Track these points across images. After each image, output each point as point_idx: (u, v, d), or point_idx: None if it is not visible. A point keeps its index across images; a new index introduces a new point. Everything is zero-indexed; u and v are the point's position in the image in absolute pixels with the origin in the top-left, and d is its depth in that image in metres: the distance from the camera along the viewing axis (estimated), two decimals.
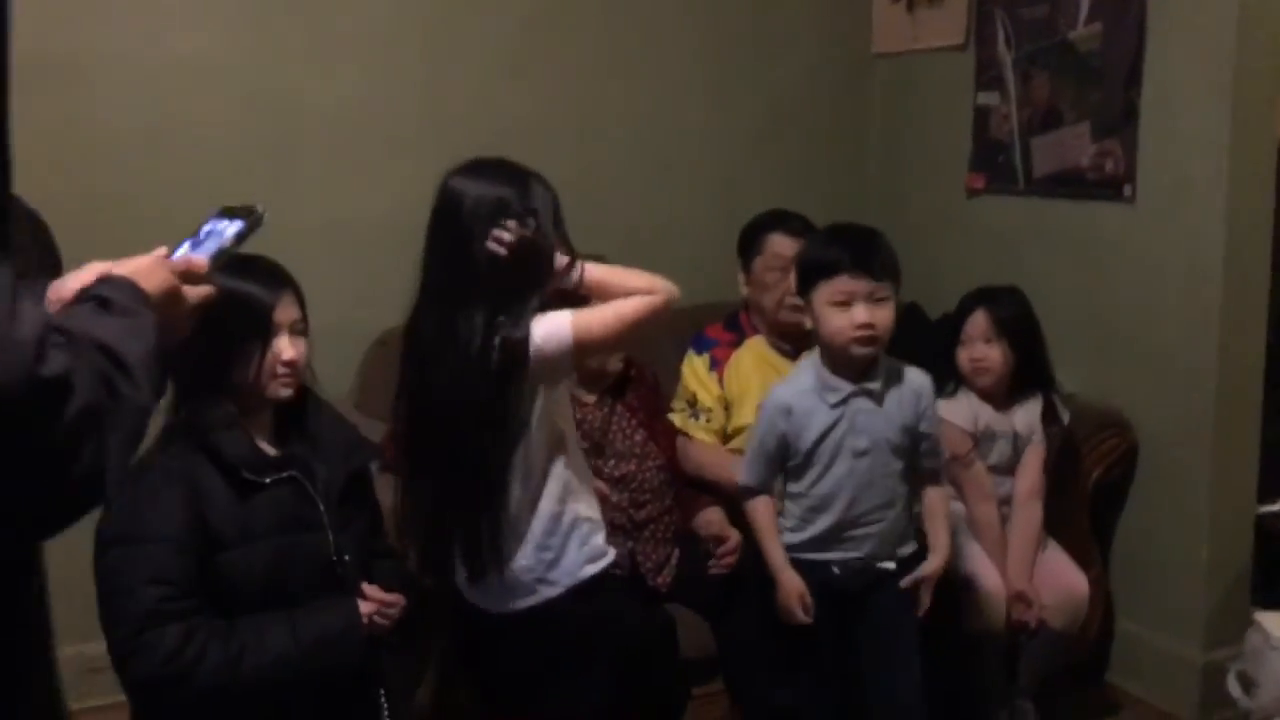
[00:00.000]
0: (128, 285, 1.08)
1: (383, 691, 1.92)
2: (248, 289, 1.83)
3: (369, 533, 2.03)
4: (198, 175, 2.89)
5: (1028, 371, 2.69)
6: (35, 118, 2.75)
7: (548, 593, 1.93)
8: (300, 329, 1.92)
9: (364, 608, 1.86)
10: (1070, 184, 3.07)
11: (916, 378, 2.33)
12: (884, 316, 2.22)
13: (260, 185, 2.97)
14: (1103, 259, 3.00)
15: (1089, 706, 2.91)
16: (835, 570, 2.31)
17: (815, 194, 3.58)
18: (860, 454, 2.26)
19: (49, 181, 2.67)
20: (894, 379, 2.31)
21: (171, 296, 1.16)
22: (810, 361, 2.34)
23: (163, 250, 1.26)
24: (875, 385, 2.27)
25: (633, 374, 2.70)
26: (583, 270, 1.88)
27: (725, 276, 2.97)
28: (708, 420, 2.77)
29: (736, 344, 2.84)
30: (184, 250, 1.27)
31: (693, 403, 2.80)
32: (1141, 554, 2.93)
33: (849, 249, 2.24)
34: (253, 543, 1.80)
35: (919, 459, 2.34)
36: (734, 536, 2.54)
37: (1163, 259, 2.84)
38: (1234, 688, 2.61)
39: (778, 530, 2.35)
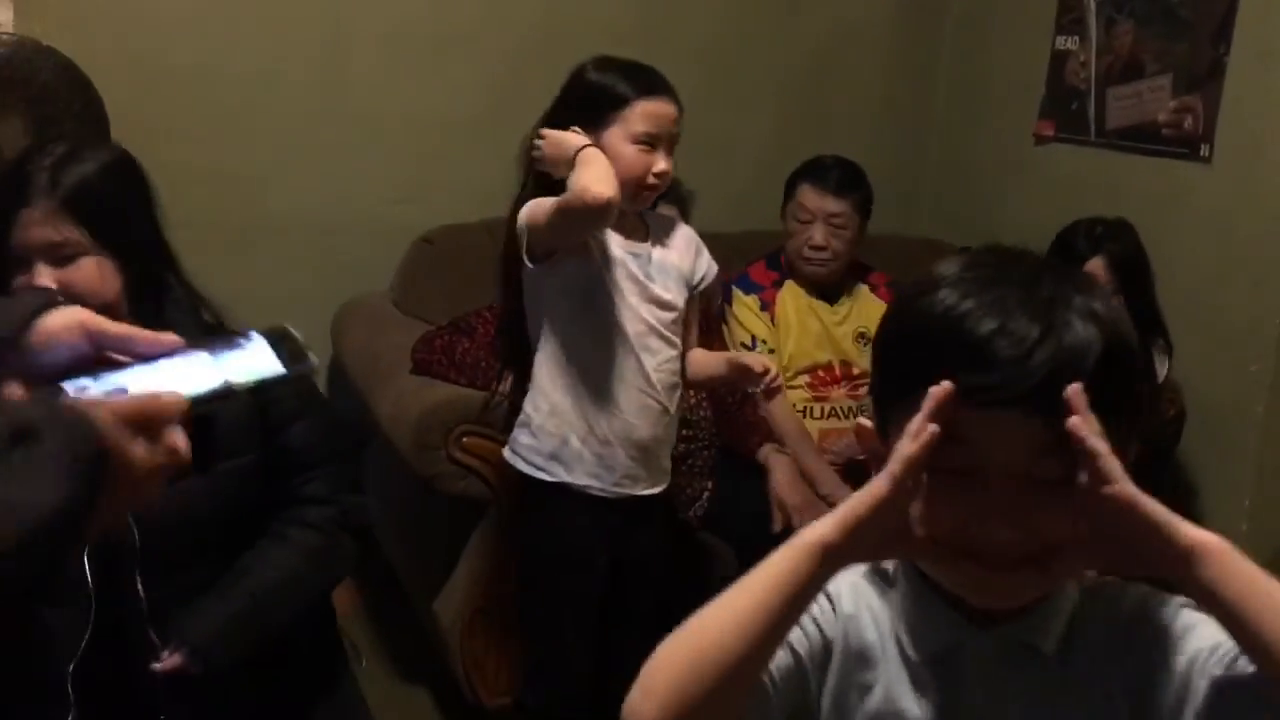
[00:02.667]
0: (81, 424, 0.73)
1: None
2: None
3: (263, 480, 1.55)
4: (244, 64, 2.85)
5: (1139, 321, 2.56)
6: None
7: (510, 457, 2.05)
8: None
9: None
10: (1144, 139, 2.96)
11: None
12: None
13: (308, 76, 2.94)
14: (1171, 218, 2.89)
15: None
16: None
17: (877, 128, 3.49)
18: None
19: (101, 48, 2.66)
20: None
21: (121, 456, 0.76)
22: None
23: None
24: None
25: None
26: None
27: (774, 206, 2.91)
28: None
29: (779, 284, 2.79)
30: (198, 361, 0.87)
31: (751, 344, 2.75)
32: None
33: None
34: None
35: None
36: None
37: (1234, 223, 2.74)
38: None
39: None
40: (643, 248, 1.99)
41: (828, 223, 2.68)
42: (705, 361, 2.08)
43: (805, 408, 2.70)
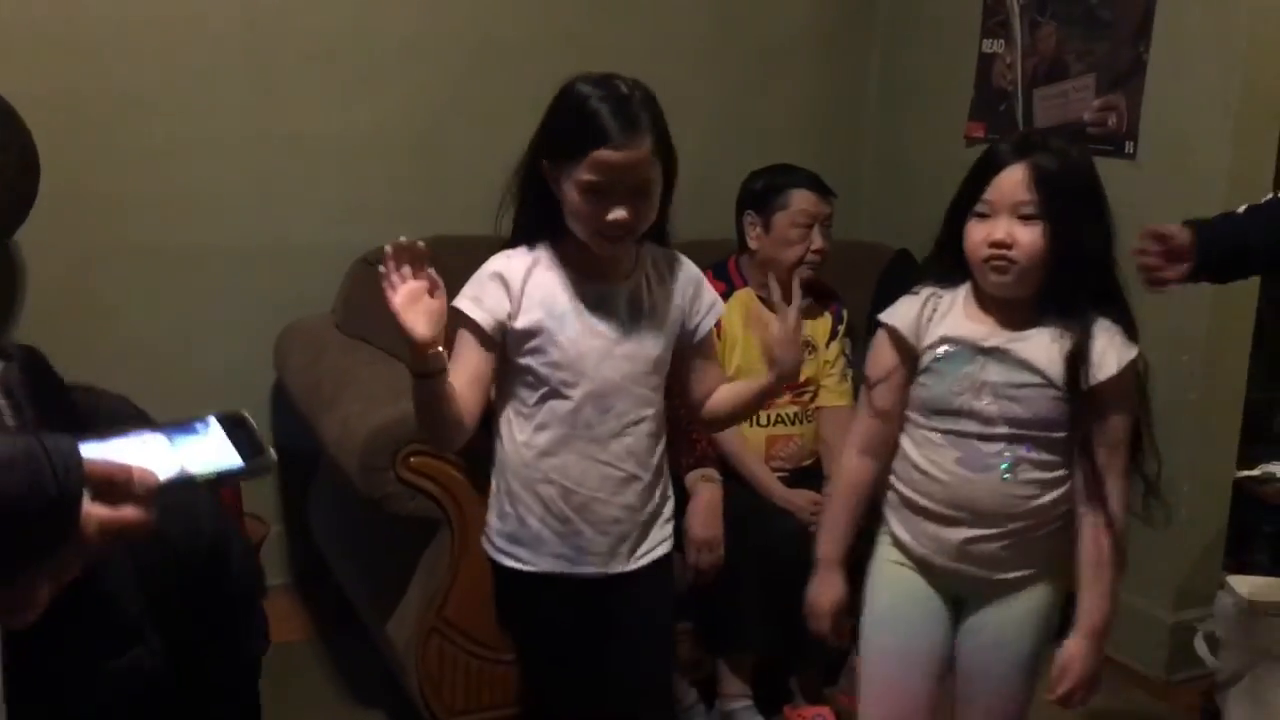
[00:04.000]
0: (72, 451, 0.79)
1: None
2: None
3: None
4: (176, 91, 2.83)
5: (1072, 276, 1.69)
6: (21, 10, 2.70)
7: (484, 543, 1.93)
8: None
9: None
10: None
11: None
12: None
13: (242, 99, 2.92)
14: None
15: (1052, 660, 2.92)
16: None
17: (811, 136, 3.53)
18: None
19: (30, 80, 2.62)
20: None
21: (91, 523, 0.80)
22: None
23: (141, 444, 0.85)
24: None
25: None
26: None
27: (714, 214, 2.93)
28: None
29: (726, 295, 2.80)
30: (154, 443, 0.86)
31: None
32: None
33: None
34: None
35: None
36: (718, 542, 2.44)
37: (1161, 217, 2.77)
38: (1201, 649, 2.62)
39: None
40: (616, 289, 1.76)
41: (823, 225, 2.72)
42: (735, 393, 1.92)
43: (754, 417, 2.71)
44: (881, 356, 1.83)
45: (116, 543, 0.81)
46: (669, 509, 1.91)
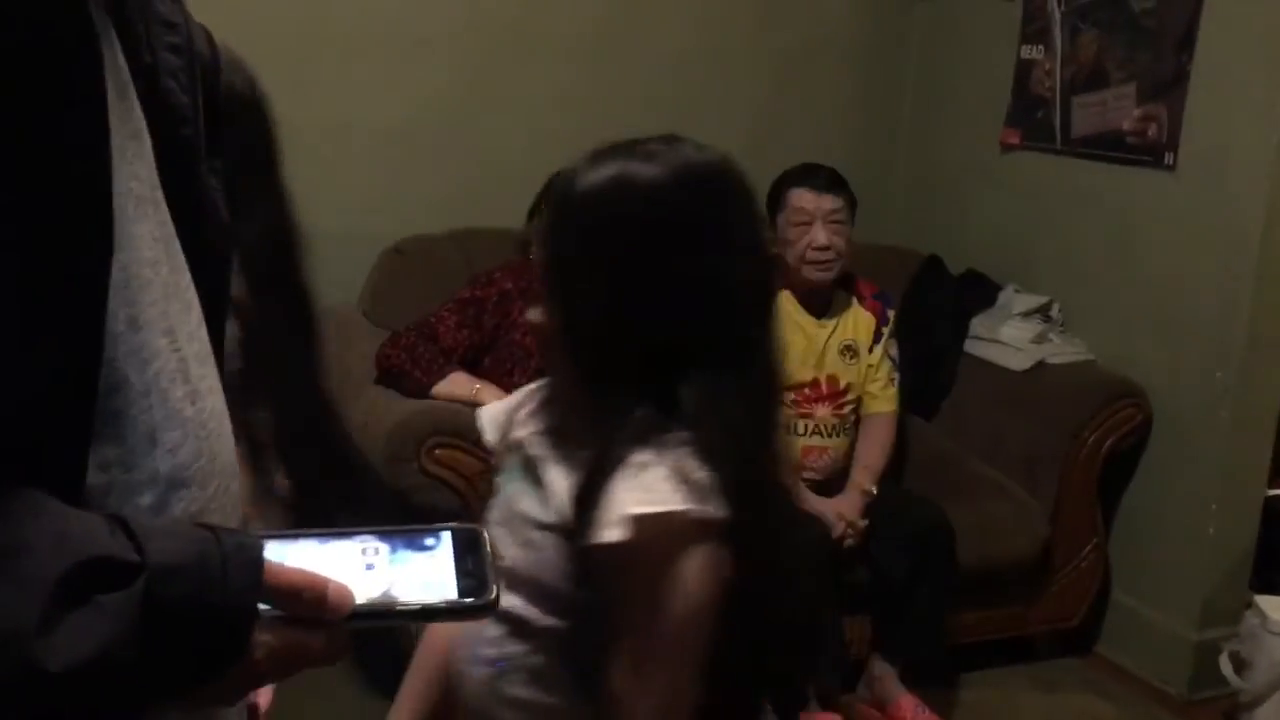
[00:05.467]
0: (253, 559, 0.61)
1: None
2: None
3: None
4: None
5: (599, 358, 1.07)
6: None
7: None
8: None
9: None
10: (1110, 147, 2.98)
11: None
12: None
13: (273, 85, 2.90)
14: (1136, 226, 2.92)
15: (1076, 676, 2.90)
16: None
17: (845, 139, 3.50)
18: None
19: None
20: None
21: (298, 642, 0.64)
22: None
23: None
24: None
25: None
26: None
27: None
28: None
29: None
30: (378, 554, 0.69)
31: None
32: (1145, 527, 2.89)
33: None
34: None
35: None
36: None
37: (1198, 231, 2.77)
38: (1226, 668, 2.59)
39: None
40: None
41: (827, 221, 2.67)
42: None
43: (789, 424, 2.67)
44: None
45: (288, 674, 0.64)
46: None
